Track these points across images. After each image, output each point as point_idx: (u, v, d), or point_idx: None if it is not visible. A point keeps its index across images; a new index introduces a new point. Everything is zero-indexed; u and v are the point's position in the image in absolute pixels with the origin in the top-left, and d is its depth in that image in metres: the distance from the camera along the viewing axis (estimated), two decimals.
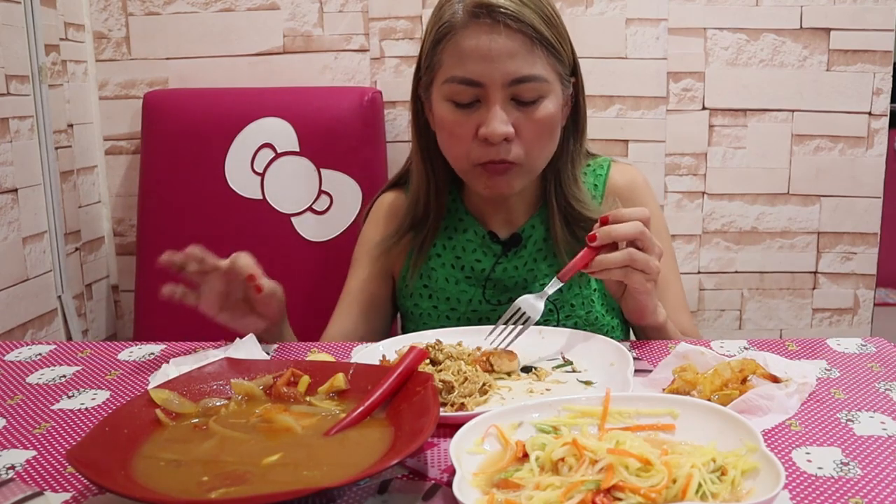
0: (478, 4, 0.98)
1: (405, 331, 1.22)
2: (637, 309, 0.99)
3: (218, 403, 0.73)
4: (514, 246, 1.12)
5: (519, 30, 0.98)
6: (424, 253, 1.14)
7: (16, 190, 1.37)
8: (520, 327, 0.94)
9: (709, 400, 0.72)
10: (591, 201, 1.11)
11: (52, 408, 0.81)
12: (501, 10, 0.97)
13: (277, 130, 1.54)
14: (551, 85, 1.01)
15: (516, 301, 0.96)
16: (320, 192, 1.54)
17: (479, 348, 0.94)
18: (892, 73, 1.60)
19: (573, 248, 1.10)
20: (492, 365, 0.87)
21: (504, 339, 0.92)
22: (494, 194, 1.07)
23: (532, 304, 0.96)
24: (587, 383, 0.84)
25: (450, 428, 0.67)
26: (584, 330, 1.07)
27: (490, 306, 1.12)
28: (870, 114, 1.62)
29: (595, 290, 1.12)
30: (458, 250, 1.14)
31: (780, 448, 0.68)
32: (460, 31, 0.99)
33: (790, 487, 0.62)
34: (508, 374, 0.87)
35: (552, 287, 0.96)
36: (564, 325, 1.10)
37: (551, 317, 1.10)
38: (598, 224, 0.94)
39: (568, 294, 1.11)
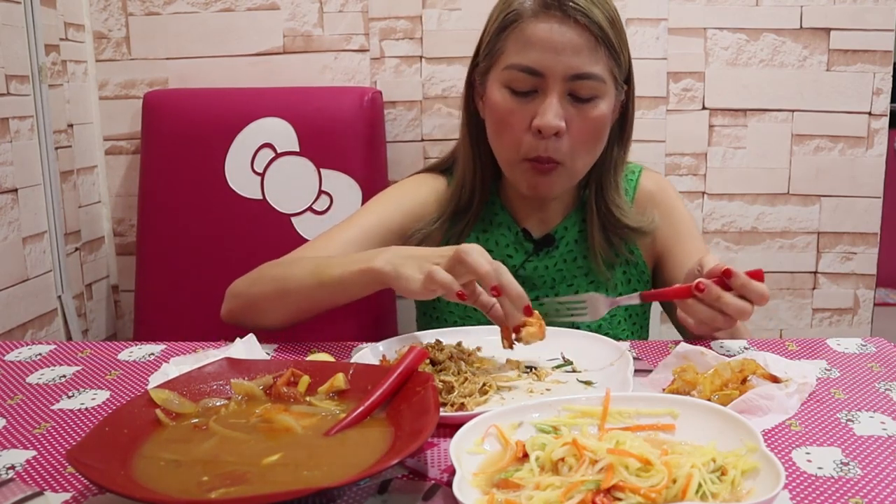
0: None
1: (421, 320, 1.22)
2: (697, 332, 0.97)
3: (218, 403, 0.73)
4: (547, 246, 1.13)
5: (586, 26, 0.98)
6: (461, 243, 1.13)
7: (16, 190, 1.37)
8: (572, 320, 0.97)
9: (709, 400, 0.72)
10: (630, 210, 1.12)
11: (52, 408, 0.81)
12: (572, 4, 0.98)
13: (277, 130, 1.54)
14: (607, 86, 1.02)
15: (584, 294, 1.00)
16: (320, 192, 1.54)
17: (479, 348, 0.94)
18: (892, 73, 1.60)
19: (608, 254, 1.12)
20: (520, 337, 0.87)
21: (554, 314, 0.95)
22: (535, 194, 1.07)
23: (597, 304, 0.98)
24: (587, 383, 0.84)
25: (450, 428, 0.67)
26: (607, 332, 1.08)
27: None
28: (870, 114, 1.62)
29: (620, 293, 1.13)
30: (491, 244, 1.14)
31: (780, 448, 0.68)
32: (528, 20, 1.00)
33: (790, 487, 0.62)
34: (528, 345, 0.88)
35: (628, 300, 0.96)
36: (588, 327, 1.09)
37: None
38: (712, 269, 0.88)
39: None
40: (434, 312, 1.17)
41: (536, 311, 0.88)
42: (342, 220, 1.17)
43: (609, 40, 1.00)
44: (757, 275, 0.87)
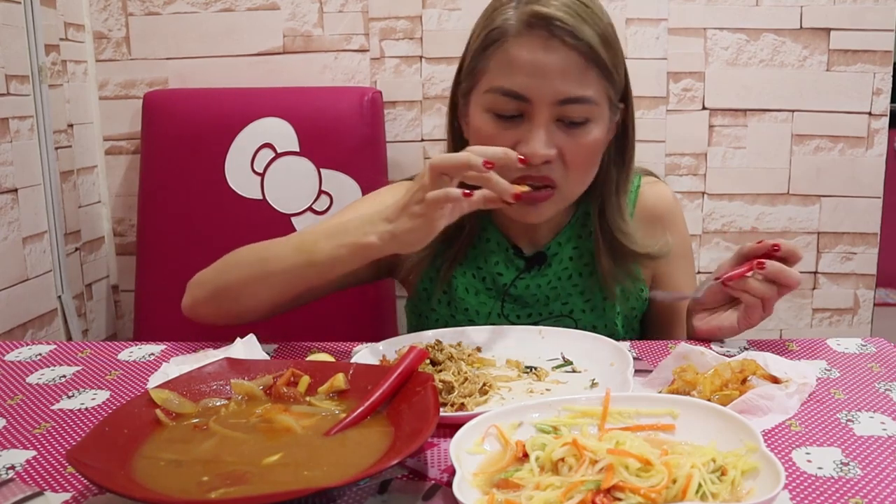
0: (535, 14, 0.92)
1: (414, 321, 1.20)
2: (721, 328, 0.97)
3: (218, 403, 0.73)
4: (539, 263, 1.08)
5: (574, 47, 0.92)
6: (454, 267, 1.09)
7: (16, 190, 1.37)
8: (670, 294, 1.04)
9: (709, 400, 0.72)
10: (637, 234, 1.06)
11: (52, 408, 0.81)
12: (559, 23, 0.91)
13: (277, 130, 1.54)
14: (600, 108, 0.96)
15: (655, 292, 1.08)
16: (320, 192, 1.54)
17: (479, 348, 0.94)
18: (892, 73, 1.60)
19: (618, 278, 1.07)
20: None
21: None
22: (524, 221, 1.02)
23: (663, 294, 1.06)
24: (594, 383, 0.84)
25: (450, 428, 0.67)
26: None
27: (507, 322, 1.08)
28: (870, 114, 1.62)
29: (618, 312, 1.10)
30: (480, 261, 1.10)
31: (780, 448, 0.68)
32: (512, 40, 0.93)
33: (790, 487, 0.62)
34: None
35: (707, 289, 0.97)
36: None
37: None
38: (761, 246, 0.92)
39: (591, 315, 1.09)
40: (423, 328, 1.16)
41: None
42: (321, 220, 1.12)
43: (601, 60, 0.93)
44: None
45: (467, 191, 0.82)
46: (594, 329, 1.06)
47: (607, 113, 0.98)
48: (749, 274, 0.92)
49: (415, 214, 0.84)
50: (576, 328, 1.06)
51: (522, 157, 0.87)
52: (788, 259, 0.92)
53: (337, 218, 1.08)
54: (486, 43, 0.96)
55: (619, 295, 1.09)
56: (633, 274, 1.09)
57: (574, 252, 1.09)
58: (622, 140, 1.04)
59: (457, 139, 1.06)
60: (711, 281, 0.97)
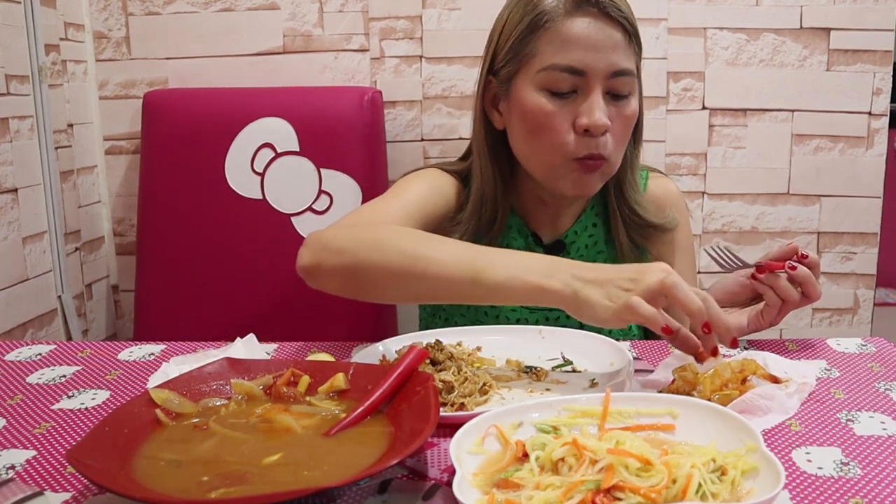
0: None
1: (427, 319, 1.21)
2: (738, 326, 0.99)
3: (218, 403, 0.73)
4: (558, 251, 1.12)
5: (619, 23, 0.98)
6: None
7: (16, 190, 1.37)
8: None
9: (709, 400, 0.72)
10: (652, 206, 1.12)
11: (52, 408, 0.81)
12: (606, 1, 0.97)
13: (277, 130, 1.54)
14: (636, 82, 1.02)
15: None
16: (320, 192, 1.54)
17: (479, 348, 0.94)
18: (892, 73, 1.60)
19: (635, 255, 1.11)
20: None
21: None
22: (580, 194, 1.05)
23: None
24: (592, 384, 0.84)
25: (450, 428, 0.67)
26: (616, 339, 1.07)
27: (527, 308, 1.10)
28: (870, 114, 1.62)
29: None
30: (502, 248, 1.10)
31: (780, 448, 0.68)
32: (563, 19, 0.98)
33: (790, 487, 0.62)
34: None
35: (745, 273, 0.98)
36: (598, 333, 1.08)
37: (586, 324, 1.09)
38: (791, 249, 0.93)
39: None
40: (443, 314, 1.16)
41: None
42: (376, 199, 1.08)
43: (637, 36, 1.01)
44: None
45: (670, 328, 0.77)
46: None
47: (638, 87, 1.04)
48: (780, 273, 0.93)
49: (612, 297, 0.78)
50: (581, 325, 1.06)
51: (586, 128, 0.94)
52: (812, 270, 0.93)
53: (397, 190, 1.08)
54: (532, 26, 0.99)
55: None
56: (649, 250, 1.14)
57: (589, 240, 1.13)
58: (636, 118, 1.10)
59: (488, 132, 1.09)
60: (749, 267, 0.96)
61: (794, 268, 0.92)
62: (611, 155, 1.02)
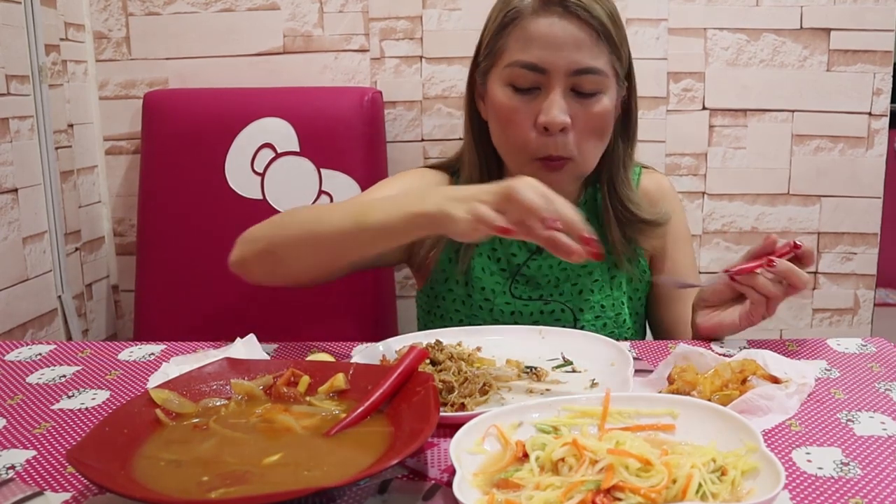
0: None
1: (424, 318, 1.21)
2: (721, 325, 0.98)
3: (218, 403, 0.73)
4: None
5: (586, 22, 1.00)
6: (472, 247, 1.13)
7: (16, 190, 1.37)
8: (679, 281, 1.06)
9: (709, 400, 0.72)
10: (644, 202, 1.13)
11: (52, 408, 0.81)
12: (572, 1, 0.99)
13: (277, 130, 1.54)
14: (609, 81, 1.03)
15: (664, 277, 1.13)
16: (320, 192, 1.54)
17: (479, 348, 0.94)
18: (892, 73, 1.60)
19: (627, 250, 1.13)
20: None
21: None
22: None
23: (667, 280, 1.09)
24: (592, 384, 0.84)
25: (450, 428, 0.67)
26: (612, 332, 1.08)
27: (521, 302, 1.12)
28: (870, 114, 1.62)
29: (624, 292, 1.14)
30: (496, 241, 1.14)
31: (780, 448, 0.68)
32: (529, 17, 1.01)
33: (790, 487, 0.62)
34: None
35: (713, 284, 0.98)
36: (593, 326, 1.10)
37: (581, 316, 1.10)
38: (771, 242, 0.92)
39: (599, 295, 1.12)
40: (439, 311, 1.17)
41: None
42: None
43: (609, 36, 1.01)
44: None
45: (510, 228, 0.78)
46: (602, 309, 1.11)
47: (615, 87, 1.05)
48: (758, 271, 0.92)
49: (468, 210, 0.80)
50: (583, 309, 1.10)
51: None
52: (803, 260, 0.93)
53: (375, 194, 1.12)
54: (504, 23, 1.03)
55: (625, 276, 1.14)
56: (645, 246, 1.15)
57: None
58: (627, 117, 1.12)
59: (475, 123, 1.12)
60: (721, 273, 0.97)
61: (771, 263, 0.91)
62: (577, 154, 1.03)
